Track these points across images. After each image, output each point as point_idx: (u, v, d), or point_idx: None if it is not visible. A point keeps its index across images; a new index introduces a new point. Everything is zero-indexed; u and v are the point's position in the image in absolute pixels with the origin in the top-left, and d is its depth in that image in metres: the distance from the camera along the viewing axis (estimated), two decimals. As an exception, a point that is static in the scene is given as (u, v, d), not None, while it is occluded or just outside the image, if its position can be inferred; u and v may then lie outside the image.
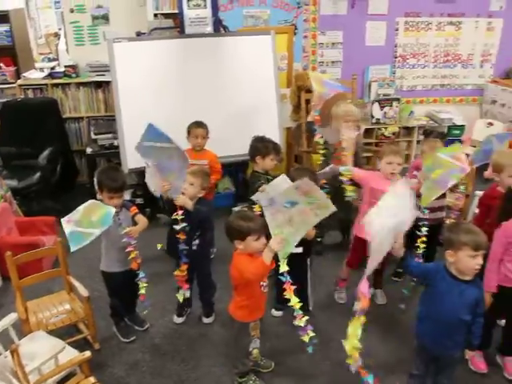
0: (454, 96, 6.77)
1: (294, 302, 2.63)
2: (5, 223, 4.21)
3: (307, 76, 5.33)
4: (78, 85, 5.68)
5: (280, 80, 5.24)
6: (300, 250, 3.36)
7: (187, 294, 3.45)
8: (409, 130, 6.37)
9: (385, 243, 2.48)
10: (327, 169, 3.81)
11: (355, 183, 3.68)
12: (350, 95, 5.53)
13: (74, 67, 5.63)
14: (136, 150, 3.15)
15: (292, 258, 3.36)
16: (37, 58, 7.05)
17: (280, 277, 2.66)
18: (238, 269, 2.66)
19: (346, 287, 3.93)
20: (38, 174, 4.98)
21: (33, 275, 3.27)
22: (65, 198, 5.27)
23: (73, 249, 2.82)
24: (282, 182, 2.94)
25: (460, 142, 5.77)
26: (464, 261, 2.41)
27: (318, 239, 4.47)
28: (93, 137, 5.25)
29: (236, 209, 4.81)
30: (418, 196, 3.76)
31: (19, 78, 5.88)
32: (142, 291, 3.20)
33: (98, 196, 3.19)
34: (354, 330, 2.62)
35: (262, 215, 2.80)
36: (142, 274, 3.18)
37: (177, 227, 3.21)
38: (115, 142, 4.95)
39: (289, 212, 2.51)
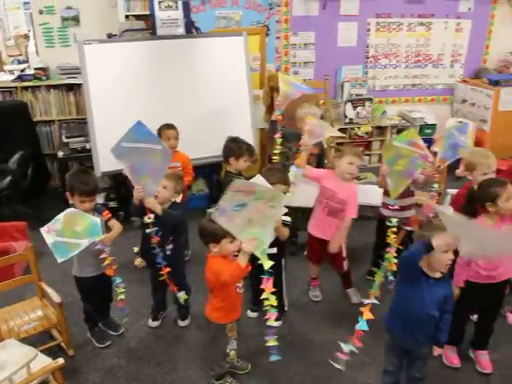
0: (425, 95, 6.87)
1: (272, 300, 2.58)
2: (-26, 229, 4.13)
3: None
4: (49, 87, 5.59)
5: (253, 81, 5.23)
6: (274, 250, 3.37)
7: (185, 294, 3.46)
8: (382, 130, 6.43)
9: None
10: None
11: None
12: (323, 95, 5.58)
13: (44, 70, 5.54)
14: (112, 152, 3.09)
15: (266, 259, 3.40)
16: (6, 61, 6.90)
17: (261, 275, 2.63)
18: (214, 271, 2.66)
19: (319, 285, 3.96)
20: (8, 179, 4.89)
21: (4, 282, 3.21)
22: (37, 203, 5.21)
23: (60, 260, 2.81)
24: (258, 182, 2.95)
25: (432, 140, 5.87)
26: (438, 257, 2.45)
27: (293, 239, 4.51)
28: (64, 140, 5.17)
29: (210, 210, 4.77)
30: (386, 193, 3.83)
31: (-12, 81, 5.77)
32: (121, 297, 3.15)
33: (70, 201, 3.14)
34: None
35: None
36: (118, 280, 3.13)
37: (148, 231, 3.19)
38: (87, 146, 4.89)
39: (243, 214, 2.45)
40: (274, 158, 3.98)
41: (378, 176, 3.70)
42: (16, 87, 5.54)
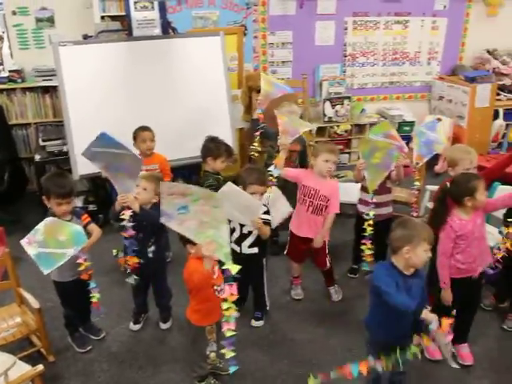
0: (403, 93, 6.92)
1: (232, 309, 2.44)
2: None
3: (259, 76, 5.36)
4: (24, 90, 5.50)
5: (231, 81, 5.23)
6: (255, 250, 3.39)
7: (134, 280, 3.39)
8: (361, 128, 6.45)
9: None
10: None
11: None
12: (301, 94, 5.59)
13: (19, 72, 5.44)
14: (83, 155, 3.07)
15: (248, 259, 3.41)
16: (-20, 63, 6.81)
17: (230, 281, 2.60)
18: (188, 272, 2.65)
19: (301, 283, 3.97)
20: (-17, 184, 4.82)
21: (-20, 289, 3.16)
22: (14, 208, 5.13)
23: (45, 272, 2.80)
24: (231, 189, 2.94)
25: (410, 138, 5.92)
26: (420, 255, 2.47)
27: (274, 238, 4.51)
28: (41, 143, 5.10)
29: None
30: (363, 189, 3.86)
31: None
32: (95, 299, 3.13)
33: (47, 204, 3.10)
34: None
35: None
36: (93, 285, 3.11)
37: (123, 223, 3.16)
38: (64, 148, 4.83)
39: (191, 216, 2.39)
40: (253, 154, 3.99)
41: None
42: (-10, 90, 5.46)
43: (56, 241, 2.81)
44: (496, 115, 6.47)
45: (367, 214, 3.55)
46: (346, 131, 6.25)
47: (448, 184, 3.08)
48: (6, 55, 5.73)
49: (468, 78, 6.39)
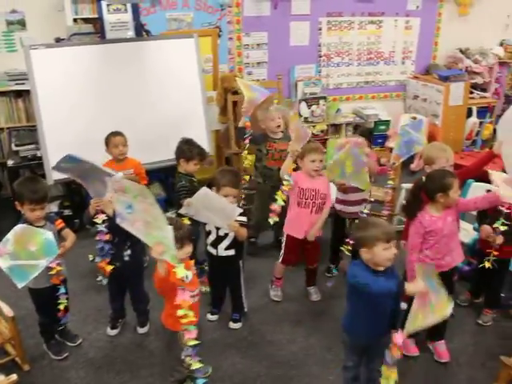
0: (378, 92, 6.96)
1: (190, 317, 2.43)
2: None
3: (234, 78, 5.35)
4: (-4, 94, 5.42)
5: (206, 83, 5.21)
6: (232, 252, 3.38)
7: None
8: (337, 128, 6.49)
9: None
10: None
11: None
12: (277, 95, 5.60)
13: (-10, 76, 5.37)
14: (54, 170, 3.07)
15: (224, 261, 3.40)
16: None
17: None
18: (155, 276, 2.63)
19: (282, 285, 3.96)
20: (-45, 190, 4.73)
21: (-48, 298, 3.10)
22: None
23: (20, 285, 2.74)
24: (205, 194, 2.93)
25: (386, 136, 5.97)
26: (380, 254, 2.47)
27: (252, 240, 4.52)
28: (14, 148, 5.02)
29: (168, 215, 4.74)
30: (340, 189, 3.89)
31: None
32: (61, 307, 3.10)
33: (20, 210, 3.05)
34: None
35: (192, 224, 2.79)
36: (62, 290, 3.08)
37: (97, 227, 3.13)
38: (38, 153, 4.77)
39: (137, 216, 2.36)
40: (245, 163, 4.07)
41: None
42: (-40, 95, 5.35)
43: (27, 252, 2.74)
44: (469, 113, 6.56)
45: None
46: (322, 131, 6.28)
47: (423, 178, 3.12)
48: (-24, 59, 5.63)
49: (442, 76, 6.47)
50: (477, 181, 4.04)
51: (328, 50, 6.50)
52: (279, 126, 4.22)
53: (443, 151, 3.46)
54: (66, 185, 4.94)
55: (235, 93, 5.16)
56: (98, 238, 3.17)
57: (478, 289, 3.79)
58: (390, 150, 3.75)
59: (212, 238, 3.36)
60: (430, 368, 3.23)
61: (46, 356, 3.33)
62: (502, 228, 3.16)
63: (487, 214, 3.36)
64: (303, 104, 6.16)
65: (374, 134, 6.20)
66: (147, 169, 4.35)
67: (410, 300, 3.22)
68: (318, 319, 3.68)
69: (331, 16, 6.35)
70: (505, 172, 3.25)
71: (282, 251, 3.83)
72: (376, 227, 2.50)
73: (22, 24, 5.39)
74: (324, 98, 6.27)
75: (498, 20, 6.89)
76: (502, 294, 3.69)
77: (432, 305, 2.38)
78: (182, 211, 3.19)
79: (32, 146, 4.94)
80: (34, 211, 2.99)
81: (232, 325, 3.58)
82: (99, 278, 3.36)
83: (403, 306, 2.65)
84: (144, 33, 4.96)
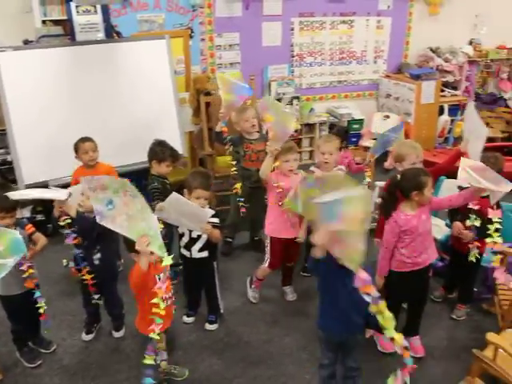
0: (351, 91, 7.02)
1: (160, 309, 2.40)
2: None
3: (206, 79, 5.34)
4: (-37, 98, 5.30)
5: (178, 84, 5.19)
6: (205, 254, 3.36)
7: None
8: (310, 127, 6.53)
9: None
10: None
11: None
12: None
13: (-43, 80, 5.25)
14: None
15: (198, 263, 3.38)
16: None
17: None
18: (130, 277, 2.60)
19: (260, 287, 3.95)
20: None
21: None
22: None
23: None
24: (176, 199, 2.91)
25: (360, 135, 6.02)
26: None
27: (229, 240, 4.51)
28: (-17, 153, 4.95)
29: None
30: None
31: None
32: (41, 310, 3.04)
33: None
34: None
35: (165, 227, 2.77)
36: (37, 294, 3.02)
37: (64, 231, 3.10)
38: (8, 158, 4.69)
39: (118, 211, 2.35)
40: (232, 170, 4.05)
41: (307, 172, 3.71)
42: None
43: None
44: (441, 111, 6.65)
45: None
46: (295, 131, 6.29)
47: (398, 177, 3.14)
48: None
49: (413, 75, 6.54)
50: (448, 177, 4.10)
51: (300, 50, 6.54)
52: (254, 126, 4.20)
53: (413, 148, 3.49)
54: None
55: (208, 94, 5.14)
56: (66, 241, 3.13)
57: (452, 284, 3.84)
58: (364, 148, 3.79)
59: (185, 240, 3.34)
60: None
61: (19, 364, 3.27)
62: (477, 223, 3.19)
63: (458, 211, 3.40)
64: (277, 104, 6.16)
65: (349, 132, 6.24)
66: (120, 172, 4.30)
67: (410, 299, 3.28)
68: (294, 319, 3.68)
69: (303, 16, 6.39)
70: None
71: (268, 255, 3.73)
72: None
73: (-12, 26, 5.28)
74: (297, 97, 6.30)
75: (467, 19, 7.00)
76: (475, 289, 3.75)
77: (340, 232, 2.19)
78: (154, 215, 3.16)
79: (2, 151, 4.87)
80: (4, 219, 2.94)
81: (208, 326, 3.57)
82: (64, 260, 3.31)
83: (367, 298, 2.68)
84: (115, 34, 4.92)
